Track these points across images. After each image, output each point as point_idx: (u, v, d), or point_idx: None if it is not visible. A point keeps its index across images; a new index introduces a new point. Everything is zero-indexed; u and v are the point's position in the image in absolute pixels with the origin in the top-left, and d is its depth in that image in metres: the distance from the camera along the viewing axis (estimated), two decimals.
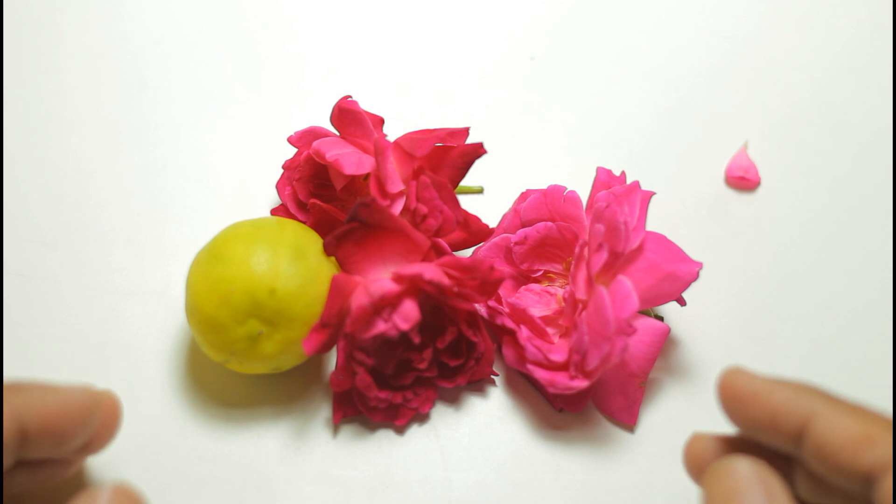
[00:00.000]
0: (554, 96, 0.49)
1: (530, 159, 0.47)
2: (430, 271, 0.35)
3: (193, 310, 0.35)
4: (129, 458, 0.37)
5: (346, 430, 0.38)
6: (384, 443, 0.38)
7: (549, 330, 0.38)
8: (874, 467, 0.30)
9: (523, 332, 0.37)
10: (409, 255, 0.36)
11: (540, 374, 0.36)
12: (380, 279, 0.35)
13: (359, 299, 0.35)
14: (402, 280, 0.35)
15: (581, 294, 0.37)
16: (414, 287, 0.35)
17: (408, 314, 0.34)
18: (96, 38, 0.50)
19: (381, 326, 0.34)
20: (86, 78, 0.48)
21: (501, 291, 0.39)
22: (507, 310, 0.38)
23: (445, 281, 0.35)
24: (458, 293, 0.35)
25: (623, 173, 0.39)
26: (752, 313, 0.42)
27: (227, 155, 0.46)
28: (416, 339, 0.35)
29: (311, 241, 0.36)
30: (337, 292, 0.34)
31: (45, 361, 0.39)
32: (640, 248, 0.36)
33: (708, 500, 0.29)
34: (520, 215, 0.40)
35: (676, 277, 0.36)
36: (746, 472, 0.29)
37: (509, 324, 0.38)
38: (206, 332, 0.35)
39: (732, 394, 0.32)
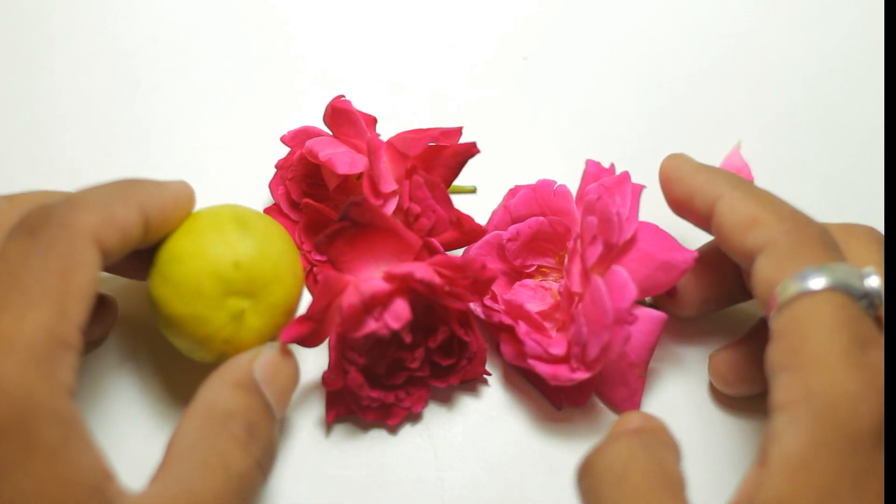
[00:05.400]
0: (547, 96, 0.49)
1: (523, 159, 0.47)
2: (422, 270, 0.35)
3: (169, 318, 0.34)
4: (120, 462, 0.37)
5: (339, 430, 0.38)
6: (377, 442, 0.38)
7: (546, 324, 0.38)
8: (755, 248, 0.33)
9: (521, 328, 0.37)
10: (401, 254, 0.36)
11: (542, 368, 0.36)
12: (371, 278, 0.35)
13: (350, 298, 0.35)
14: (393, 279, 0.35)
15: (576, 287, 0.37)
16: (405, 286, 0.35)
17: (399, 313, 0.34)
18: (89, 37, 0.50)
19: (371, 325, 0.34)
20: (78, 77, 0.48)
21: (496, 289, 0.39)
22: (502, 307, 0.38)
23: (437, 280, 0.35)
24: (450, 292, 0.35)
25: (612, 165, 0.39)
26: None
27: (221, 154, 0.46)
28: (408, 339, 0.35)
29: (248, 211, 0.36)
30: (326, 289, 0.34)
31: None
32: (633, 239, 0.37)
33: None
34: (510, 212, 0.40)
35: (671, 266, 0.36)
36: None
37: (506, 320, 0.38)
38: (190, 332, 0.34)
39: (665, 175, 0.37)
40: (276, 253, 0.35)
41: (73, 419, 0.27)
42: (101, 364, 0.39)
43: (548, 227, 0.39)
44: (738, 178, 0.35)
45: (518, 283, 0.40)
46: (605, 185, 0.37)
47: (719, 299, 0.39)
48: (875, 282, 0.31)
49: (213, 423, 0.31)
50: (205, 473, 0.29)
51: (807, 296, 0.30)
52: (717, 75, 0.50)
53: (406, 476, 0.37)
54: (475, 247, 0.40)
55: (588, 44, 0.51)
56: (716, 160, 0.47)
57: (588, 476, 0.31)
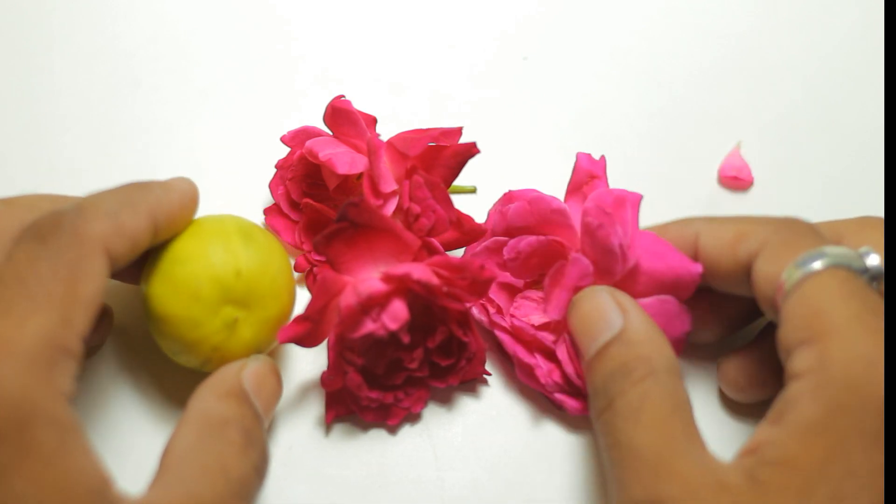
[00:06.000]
0: (547, 96, 0.49)
1: (523, 159, 0.47)
2: (419, 271, 0.34)
3: (162, 317, 0.34)
4: (119, 463, 0.37)
5: (339, 430, 0.38)
6: (377, 442, 0.38)
7: (549, 336, 0.38)
8: (749, 256, 0.33)
9: (543, 368, 0.38)
10: (400, 254, 0.36)
11: (570, 403, 0.37)
12: (369, 279, 0.35)
13: (347, 299, 0.35)
14: (390, 280, 0.35)
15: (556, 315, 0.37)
16: (403, 287, 0.35)
17: (396, 314, 0.34)
18: (89, 37, 0.50)
19: (369, 326, 0.34)
20: (78, 77, 0.48)
21: (500, 301, 0.39)
22: (508, 323, 0.38)
23: (434, 280, 0.35)
24: (448, 293, 0.35)
25: (602, 157, 0.39)
26: None
27: (220, 154, 0.46)
28: (406, 339, 0.35)
29: (251, 224, 0.37)
30: (324, 289, 0.34)
31: None
32: (635, 266, 0.36)
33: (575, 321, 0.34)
34: (506, 218, 0.39)
35: (679, 286, 0.36)
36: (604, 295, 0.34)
37: (525, 358, 0.38)
38: (181, 334, 0.34)
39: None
40: (275, 268, 0.35)
41: (71, 424, 0.28)
42: (97, 371, 0.39)
43: (546, 246, 0.38)
44: (702, 216, 0.36)
45: (520, 295, 0.39)
46: (605, 210, 0.36)
47: (738, 320, 0.39)
48: (875, 260, 0.31)
49: (210, 429, 0.31)
50: (205, 478, 0.30)
51: (812, 276, 0.31)
52: (717, 75, 0.50)
53: (406, 476, 0.37)
54: (475, 254, 0.40)
55: (588, 44, 0.51)
56: (716, 160, 0.47)
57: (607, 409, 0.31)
